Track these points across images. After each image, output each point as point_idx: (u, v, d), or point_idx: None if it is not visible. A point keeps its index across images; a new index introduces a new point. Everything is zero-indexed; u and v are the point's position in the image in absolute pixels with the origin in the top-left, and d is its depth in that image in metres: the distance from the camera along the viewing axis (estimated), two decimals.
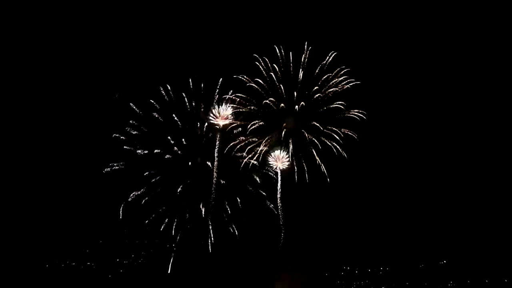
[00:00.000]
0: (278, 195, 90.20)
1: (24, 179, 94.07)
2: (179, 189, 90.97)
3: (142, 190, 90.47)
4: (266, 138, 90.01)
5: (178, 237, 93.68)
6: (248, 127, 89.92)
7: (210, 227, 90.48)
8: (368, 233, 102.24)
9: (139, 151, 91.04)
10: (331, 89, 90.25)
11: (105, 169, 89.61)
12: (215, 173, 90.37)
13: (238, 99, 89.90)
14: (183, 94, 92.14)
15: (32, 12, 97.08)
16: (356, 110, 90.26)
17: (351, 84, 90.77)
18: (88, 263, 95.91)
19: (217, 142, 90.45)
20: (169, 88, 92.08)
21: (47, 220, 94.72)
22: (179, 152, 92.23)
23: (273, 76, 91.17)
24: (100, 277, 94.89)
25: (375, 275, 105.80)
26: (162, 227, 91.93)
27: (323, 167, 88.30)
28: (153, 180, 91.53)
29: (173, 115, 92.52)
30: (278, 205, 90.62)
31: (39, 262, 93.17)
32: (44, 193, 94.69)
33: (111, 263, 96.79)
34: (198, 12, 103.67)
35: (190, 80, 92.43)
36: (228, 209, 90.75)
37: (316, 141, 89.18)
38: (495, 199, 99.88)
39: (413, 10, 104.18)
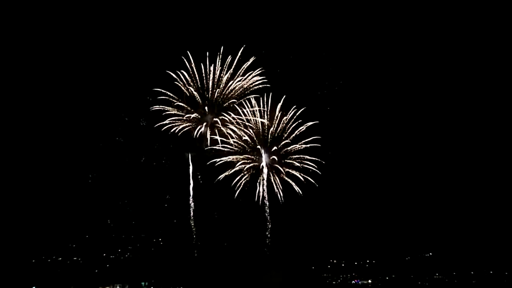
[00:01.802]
0: (264, 191, 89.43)
1: (10, 176, 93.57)
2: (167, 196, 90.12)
3: (126, 201, 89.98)
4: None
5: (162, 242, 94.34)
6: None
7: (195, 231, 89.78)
8: (354, 226, 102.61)
9: (126, 158, 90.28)
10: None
11: (92, 174, 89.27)
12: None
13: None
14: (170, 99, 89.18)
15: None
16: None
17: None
18: (75, 258, 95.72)
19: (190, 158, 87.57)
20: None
21: (33, 215, 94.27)
22: (167, 163, 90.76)
23: None
24: (86, 272, 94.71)
25: (361, 268, 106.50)
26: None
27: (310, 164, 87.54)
28: (141, 187, 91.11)
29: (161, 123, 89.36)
30: (265, 201, 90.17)
31: (25, 257, 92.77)
32: (31, 189, 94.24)
33: (97, 258, 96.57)
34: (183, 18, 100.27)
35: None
36: (215, 212, 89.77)
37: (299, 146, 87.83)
38: (480, 192, 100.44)
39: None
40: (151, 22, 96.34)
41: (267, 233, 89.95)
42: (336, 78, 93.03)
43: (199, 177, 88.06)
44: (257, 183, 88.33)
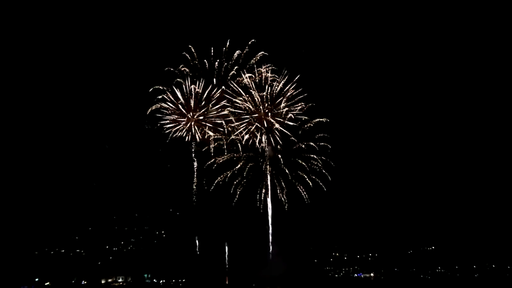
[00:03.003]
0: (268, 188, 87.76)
1: (13, 171, 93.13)
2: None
3: (129, 194, 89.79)
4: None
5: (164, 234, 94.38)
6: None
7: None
8: (357, 220, 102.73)
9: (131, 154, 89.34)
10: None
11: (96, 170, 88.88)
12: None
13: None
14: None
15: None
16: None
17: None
18: (78, 250, 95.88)
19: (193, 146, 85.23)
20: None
21: (36, 208, 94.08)
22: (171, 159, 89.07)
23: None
24: (89, 264, 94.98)
25: (364, 261, 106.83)
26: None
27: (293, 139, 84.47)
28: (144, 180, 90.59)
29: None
30: (268, 196, 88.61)
31: (28, 249, 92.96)
32: (34, 183, 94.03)
33: (100, 250, 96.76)
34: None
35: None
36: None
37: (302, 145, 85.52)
38: (481, 187, 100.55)
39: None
40: (151, 19, 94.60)
41: (269, 228, 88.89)
42: (346, 76, 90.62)
43: (204, 182, 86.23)
44: (259, 187, 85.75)
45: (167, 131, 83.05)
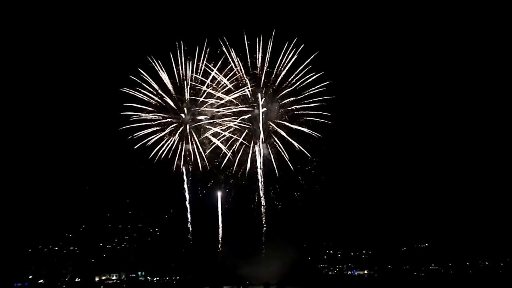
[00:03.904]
0: (261, 184, 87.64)
1: (6, 169, 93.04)
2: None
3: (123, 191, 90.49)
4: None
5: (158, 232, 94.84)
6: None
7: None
8: (351, 217, 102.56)
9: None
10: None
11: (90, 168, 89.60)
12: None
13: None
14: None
15: None
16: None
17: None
18: (71, 248, 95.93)
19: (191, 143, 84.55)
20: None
21: (29, 205, 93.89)
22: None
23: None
24: (83, 262, 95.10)
25: (357, 259, 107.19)
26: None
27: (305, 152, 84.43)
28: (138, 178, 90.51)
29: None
30: (261, 190, 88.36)
31: (22, 247, 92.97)
32: (27, 180, 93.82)
33: (94, 248, 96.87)
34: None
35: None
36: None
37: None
38: (474, 184, 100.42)
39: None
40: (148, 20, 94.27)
41: (263, 223, 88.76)
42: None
43: (199, 188, 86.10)
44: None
45: (160, 136, 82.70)
